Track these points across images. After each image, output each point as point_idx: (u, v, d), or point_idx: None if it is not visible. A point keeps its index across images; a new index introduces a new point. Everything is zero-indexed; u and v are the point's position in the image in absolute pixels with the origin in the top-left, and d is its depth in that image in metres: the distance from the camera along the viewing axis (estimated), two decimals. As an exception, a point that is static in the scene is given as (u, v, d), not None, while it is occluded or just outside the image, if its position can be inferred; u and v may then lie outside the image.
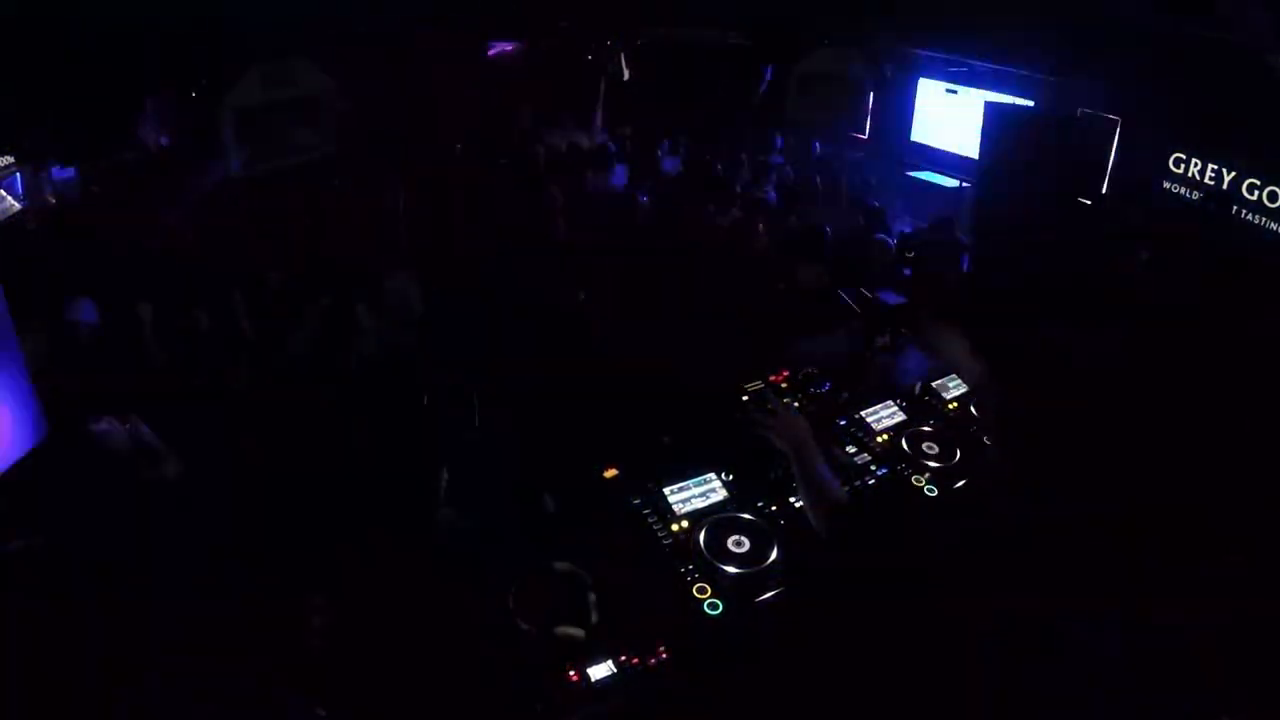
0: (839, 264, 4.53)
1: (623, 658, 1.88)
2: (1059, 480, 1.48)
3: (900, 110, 9.21)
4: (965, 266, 5.56)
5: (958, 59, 8.39)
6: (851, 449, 2.71)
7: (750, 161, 7.59)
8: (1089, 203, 7.33)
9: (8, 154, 6.08)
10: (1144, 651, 1.33)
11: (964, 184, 8.48)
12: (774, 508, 2.36)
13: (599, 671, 1.86)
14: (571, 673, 1.85)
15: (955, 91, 8.66)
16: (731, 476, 2.46)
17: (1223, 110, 6.15)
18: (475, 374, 3.67)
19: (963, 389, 3.05)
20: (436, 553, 2.53)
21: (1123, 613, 1.36)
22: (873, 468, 2.62)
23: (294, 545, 2.50)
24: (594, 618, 1.95)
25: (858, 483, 2.55)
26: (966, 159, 8.61)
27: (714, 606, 2.04)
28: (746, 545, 2.19)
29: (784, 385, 2.99)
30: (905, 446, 2.69)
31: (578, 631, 1.92)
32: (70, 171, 6.77)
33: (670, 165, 7.90)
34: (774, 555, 2.17)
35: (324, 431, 3.34)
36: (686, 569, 2.14)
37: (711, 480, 2.44)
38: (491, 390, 3.55)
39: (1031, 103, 7.52)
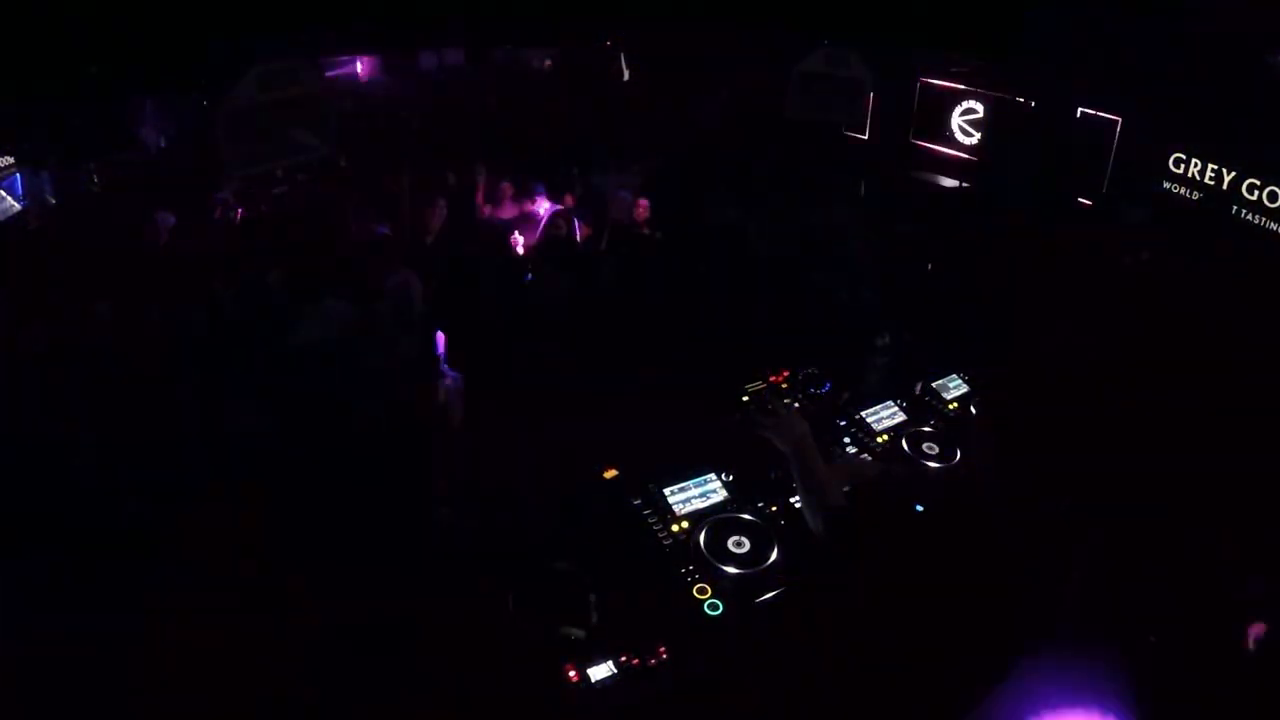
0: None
1: (623, 658, 1.88)
2: (1056, 482, 1.48)
3: (900, 110, 9.20)
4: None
5: (958, 59, 8.38)
6: (852, 449, 2.70)
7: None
8: (1089, 203, 7.35)
9: (8, 154, 6.07)
10: None
11: (963, 184, 8.49)
12: (774, 508, 2.36)
13: (599, 671, 1.86)
14: (571, 673, 1.84)
15: (954, 90, 8.66)
16: (731, 476, 2.45)
17: (1223, 110, 6.15)
18: (476, 373, 3.67)
19: (963, 389, 3.06)
20: (436, 553, 2.53)
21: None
22: (873, 468, 2.62)
23: (295, 544, 2.51)
24: (594, 618, 1.95)
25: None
26: (966, 159, 8.63)
27: (714, 607, 2.04)
28: (746, 546, 2.19)
29: (784, 385, 2.98)
30: (905, 446, 2.69)
31: (578, 631, 1.91)
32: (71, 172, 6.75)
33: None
34: (774, 556, 2.17)
35: (326, 431, 3.34)
36: (686, 569, 2.14)
37: (711, 480, 2.44)
38: (492, 389, 3.54)
39: (1033, 103, 7.52)
